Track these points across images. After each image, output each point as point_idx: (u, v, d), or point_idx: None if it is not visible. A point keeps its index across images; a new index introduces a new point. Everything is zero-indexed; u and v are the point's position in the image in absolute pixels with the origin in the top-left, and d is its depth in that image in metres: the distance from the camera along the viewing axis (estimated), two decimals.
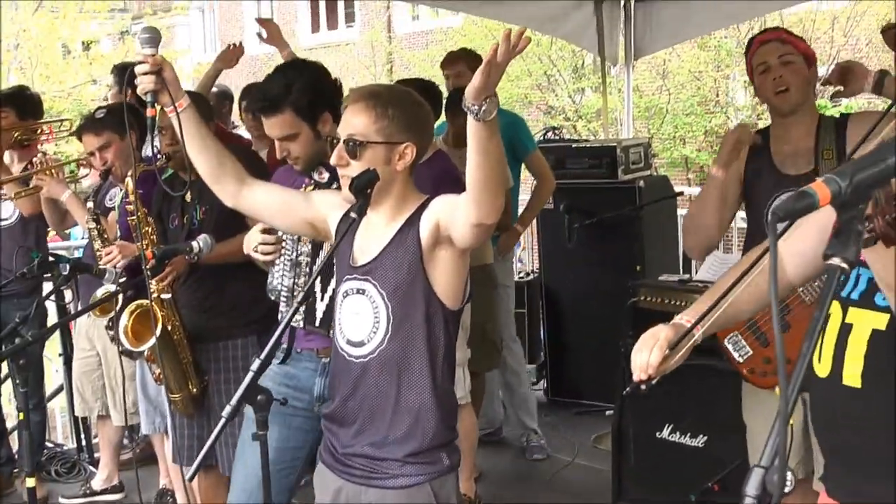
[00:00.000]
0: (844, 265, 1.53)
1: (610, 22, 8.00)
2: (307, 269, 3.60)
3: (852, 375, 2.14)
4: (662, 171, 17.29)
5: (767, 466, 1.40)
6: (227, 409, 2.68)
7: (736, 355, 4.00)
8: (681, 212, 7.72)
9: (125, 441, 6.67)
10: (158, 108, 3.18)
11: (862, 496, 2.16)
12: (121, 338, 4.12)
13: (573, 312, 6.81)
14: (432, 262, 2.99)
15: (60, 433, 7.35)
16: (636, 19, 7.94)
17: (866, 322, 2.13)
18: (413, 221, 3.02)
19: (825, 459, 2.32)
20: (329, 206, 3.26)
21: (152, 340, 4.07)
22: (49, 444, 6.92)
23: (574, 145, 7.37)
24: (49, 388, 7.35)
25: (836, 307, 2.26)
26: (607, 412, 5.79)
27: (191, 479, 2.77)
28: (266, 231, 3.57)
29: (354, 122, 3.01)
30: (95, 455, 6.51)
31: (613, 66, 8.62)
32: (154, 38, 3.11)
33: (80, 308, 5.71)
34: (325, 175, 3.65)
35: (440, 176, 5.43)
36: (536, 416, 6.67)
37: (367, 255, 3.08)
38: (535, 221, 7.20)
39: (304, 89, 3.63)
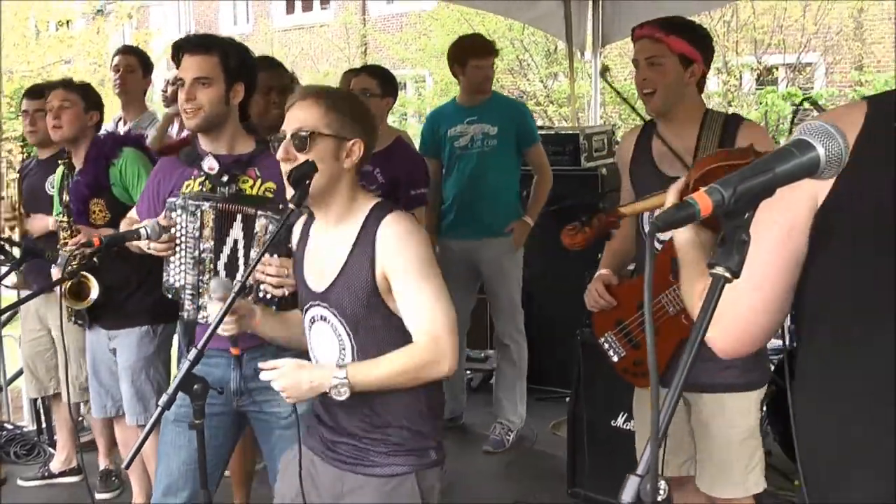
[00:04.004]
0: (728, 275, 1.53)
1: (578, 8, 8.01)
2: (211, 266, 3.60)
3: None
4: None
5: (643, 475, 1.40)
6: (164, 397, 2.67)
7: (612, 353, 3.98)
8: None
9: (84, 423, 6.67)
10: None
11: None
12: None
13: (533, 299, 6.81)
14: (390, 296, 2.96)
15: (27, 414, 7.19)
16: (604, 6, 7.95)
17: None
18: (365, 242, 2.96)
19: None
20: None
21: None
22: (9, 426, 6.89)
23: (537, 132, 7.36)
24: (14, 369, 7.33)
25: None
26: (567, 399, 5.80)
27: (126, 467, 2.78)
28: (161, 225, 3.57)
29: (303, 115, 2.98)
30: (55, 437, 6.46)
31: (583, 53, 8.62)
32: (227, 286, 3.07)
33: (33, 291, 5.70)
34: (216, 167, 3.64)
35: (410, 166, 5.47)
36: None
37: (324, 281, 3.04)
38: None
39: (237, 54, 3.71)
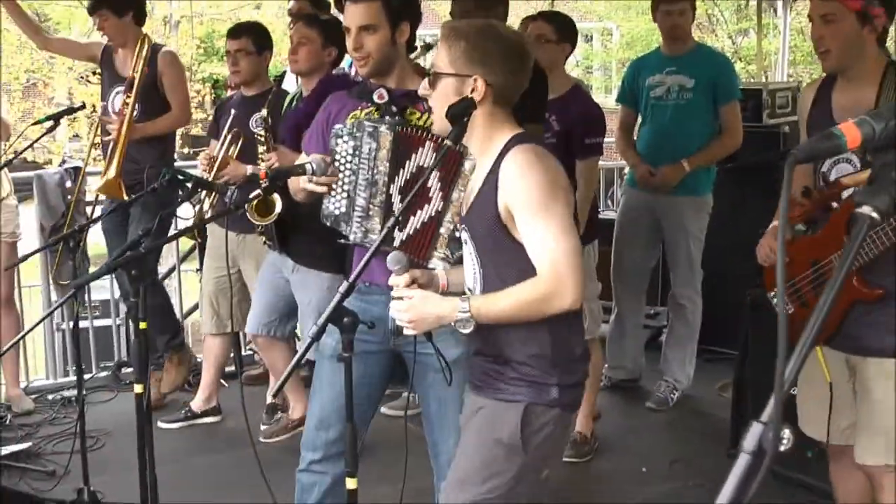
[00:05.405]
0: (875, 215, 1.40)
1: None
2: (384, 189, 3.54)
3: None
4: None
5: (766, 422, 1.33)
6: (313, 329, 2.70)
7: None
8: None
9: (255, 358, 6.79)
10: None
11: None
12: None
13: (705, 258, 6.66)
14: (516, 228, 2.94)
15: None
16: None
17: None
18: (493, 174, 2.96)
19: None
20: None
21: None
22: None
23: (738, 90, 7.11)
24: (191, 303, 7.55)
25: None
26: (735, 360, 5.68)
27: (275, 395, 2.81)
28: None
29: (437, 54, 3.06)
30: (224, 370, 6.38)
31: (776, 10, 8.36)
32: (402, 260, 3.03)
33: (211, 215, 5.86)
34: (385, 96, 3.62)
35: (585, 114, 5.37)
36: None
37: (466, 206, 3.11)
38: None
39: None
